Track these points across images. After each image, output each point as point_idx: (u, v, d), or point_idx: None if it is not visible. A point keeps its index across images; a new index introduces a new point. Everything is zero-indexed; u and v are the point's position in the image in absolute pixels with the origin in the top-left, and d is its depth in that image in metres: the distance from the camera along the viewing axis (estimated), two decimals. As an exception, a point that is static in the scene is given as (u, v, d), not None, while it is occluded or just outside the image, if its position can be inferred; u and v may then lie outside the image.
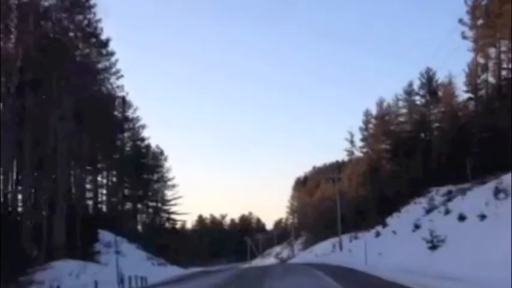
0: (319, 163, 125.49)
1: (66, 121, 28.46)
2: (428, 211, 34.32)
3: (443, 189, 40.69)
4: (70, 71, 28.93)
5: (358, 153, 74.66)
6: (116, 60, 32.62)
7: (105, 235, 35.86)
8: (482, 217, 20.38)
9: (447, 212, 28.35)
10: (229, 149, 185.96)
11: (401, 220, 41.05)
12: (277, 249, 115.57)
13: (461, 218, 23.25)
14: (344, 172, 77.11)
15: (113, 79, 33.46)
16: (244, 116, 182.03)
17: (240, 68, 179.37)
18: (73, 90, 28.35)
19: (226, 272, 33.96)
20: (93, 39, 30.24)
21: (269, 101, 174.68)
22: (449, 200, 33.95)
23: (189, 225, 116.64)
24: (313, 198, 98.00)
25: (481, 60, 49.63)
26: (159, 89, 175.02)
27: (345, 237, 53.04)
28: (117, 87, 33.48)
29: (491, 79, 49.07)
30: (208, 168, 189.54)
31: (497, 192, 22.74)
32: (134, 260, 34.30)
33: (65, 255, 27.27)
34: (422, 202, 41.05)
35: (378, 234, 41.18)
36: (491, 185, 27.37)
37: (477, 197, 26.43)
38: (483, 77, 49.95)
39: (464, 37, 47.67)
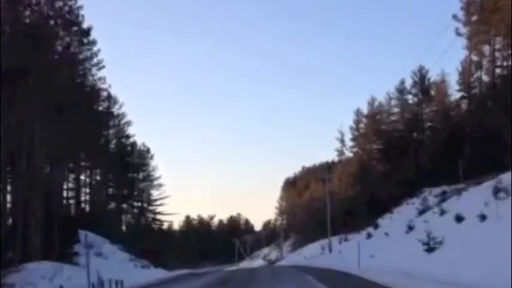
0: (308, 163, 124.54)
1: (46, 115, 26.95)
2: (422, 212, 33.35)
3: (437, 190, 39.70)
4: (51, 60, 27.44)
5: (348, 153, 73.82)
6: (98, 50, 31.21)
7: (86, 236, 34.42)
8: (483, 217, 19.24)
9: (442, 212, 27.34)
10: (217, 148, 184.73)
11: (393, 221, 40.03)
12: (265, 250, 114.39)
13: (459, 218, 22.18)
14: (334, 172, 76.10)
15: (94, 70, 31.98)
16: (233, 115, 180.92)
17: (229, 67, 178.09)
18: (54, 81, 26.80)
19: (212, 274, 32.66)
20: (75, 28, 28.74)
21: (258, 100, 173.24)
22: (443, 200, 32.97)
23: (176, 226, 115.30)
24: (302, 199, 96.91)
25: (475, 58, 48.88)
26: (147, 88, 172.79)
27: (335, 239, 51.92)
28: (99, 79, 31.93)
29: (484, 77, 48.30)
30: (196, 168, 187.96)
31: (496, 191, 21.60)
32: (115, 262, 32.88)
33: (41, 257, 25.83)
34: (415, 203, 40.14)
35: (369, 235, 40.04)
36: (487, 184, 26.41)
37: (474, 197, 25.42)
38: (476, 75, 49.21)
39: (458, 34, 46.83)
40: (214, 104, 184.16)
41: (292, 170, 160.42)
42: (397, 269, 18.77)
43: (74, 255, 30.02)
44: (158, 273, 35.69)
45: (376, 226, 42.68)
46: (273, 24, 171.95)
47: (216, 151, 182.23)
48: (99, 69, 31.92)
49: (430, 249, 19.45)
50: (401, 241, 27.74)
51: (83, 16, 29.18)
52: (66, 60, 28.44)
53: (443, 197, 34.41)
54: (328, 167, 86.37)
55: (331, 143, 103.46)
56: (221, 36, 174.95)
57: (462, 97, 52.12)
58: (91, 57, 31.06)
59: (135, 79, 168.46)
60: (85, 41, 30.15)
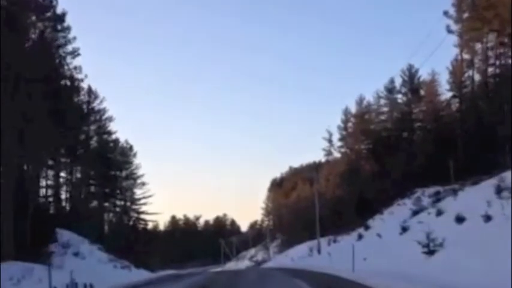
0: (295, 164, 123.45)
1: (18, 104, 25.24)
2: (416, 212, 32.15)
3: (430, 190, 38.50)
4: (25, 48, 25.76)
5: (336, 154, 72.74)
6: (74, 38, 29.35)
7: (63, 235, 32.80)
8: (487, 218, 17.94)
9: (439, 213, 26.08)
10: (203, 148, 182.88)
11: (385, 222, 38.76)
12: (252, 251, 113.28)
13: (459, 219, 20.90)
14: (321, 173, 74.95)
15: (69, 59, 30.12)
16: (219, 115, 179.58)
17: (216, 65, 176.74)
18: (29, 70, 25.05)
19: (196, 276, 31.06)
20: (48, 13, 26.99)
21: (244, 100, 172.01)
22: (438, 200, 31.74)
23: (161, 226, 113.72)
24: (289, 200, 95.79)
25: (466, 56, 47.95)
26: (131, 86, 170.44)
27: (323, 240, 50.46)
28: (75, 68, 30.07)
29: (476, 76, 47.41)
30: (182, 167, 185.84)
31: (499, 190, 20.35)
32: (93, 262, 31.13)
33: (14, 257, 24.13)
34: (406, 203, 39.02)
35: (360, 237, 38.66)
36: (486, 184, 25.25)
37: (473, 197, 24.21)
38: (468, 73, 48.29)
39: (449, 31, 45.90)
40: (202, 103, 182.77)
41: (279, 170, 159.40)
42: (394, 273, 17.29)
43: (49, 254, 28.38)
44: (138, 275, 34.01)
45: (366, 227, 41.36)
46: (262, 22, 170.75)
47: (202, 151, 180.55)
48: (74, 57, 30.17)
49: (430, 252, 18.01)
50: (395, 243, 26.46)
51: (56, 1, 27.51)
52: (41, 47, 26.69)
53: (438, 197, 33.21)
54: (315, 167, 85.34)
55: (318, 143, 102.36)
56: (212, 30, 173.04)
57: (453, 96, 51.24)
58: (65, 44, 29.30)
59: (119, 75, 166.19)
60: (59, 27, 28.35)
